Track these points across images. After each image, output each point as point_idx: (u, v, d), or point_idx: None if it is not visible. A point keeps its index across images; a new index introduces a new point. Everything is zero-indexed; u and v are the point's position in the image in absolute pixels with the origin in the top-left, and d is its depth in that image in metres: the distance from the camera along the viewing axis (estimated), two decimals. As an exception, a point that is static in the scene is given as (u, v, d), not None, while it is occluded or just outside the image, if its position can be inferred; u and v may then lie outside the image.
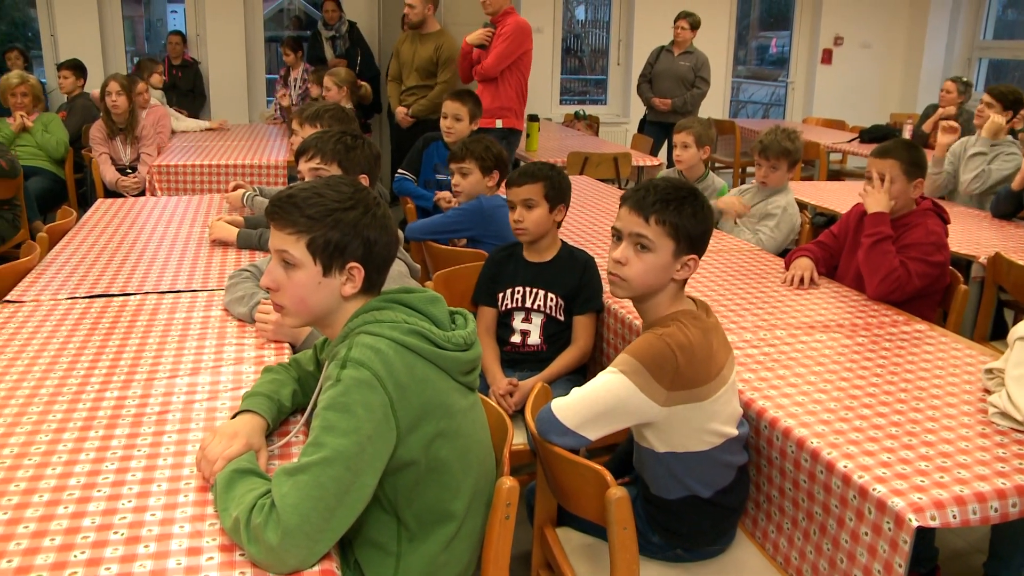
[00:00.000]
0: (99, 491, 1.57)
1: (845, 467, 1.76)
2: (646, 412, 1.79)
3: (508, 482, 1.61)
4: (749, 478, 2.05)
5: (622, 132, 8.60)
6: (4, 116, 5.68)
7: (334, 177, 1.73)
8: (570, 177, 2.96)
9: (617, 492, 1.62)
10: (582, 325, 2.78)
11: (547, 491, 1.99)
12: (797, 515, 1.92)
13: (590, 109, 8.67)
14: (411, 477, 1.53)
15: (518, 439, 2.41)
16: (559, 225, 2.88)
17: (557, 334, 2.79)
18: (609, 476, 1.65)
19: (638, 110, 7.59)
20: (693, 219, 1.87)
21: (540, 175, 2.83)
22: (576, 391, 1.84)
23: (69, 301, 2.64)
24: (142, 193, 5.38)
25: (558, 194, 2.82)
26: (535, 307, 2.80)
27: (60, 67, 6.59)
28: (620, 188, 4.99)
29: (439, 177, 4.37)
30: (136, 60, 7.32)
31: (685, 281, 1.94)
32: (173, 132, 6.40)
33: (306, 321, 1.65)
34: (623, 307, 2.71)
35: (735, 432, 1.91)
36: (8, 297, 2.68)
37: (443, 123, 4.34)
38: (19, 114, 5.57)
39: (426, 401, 1.51)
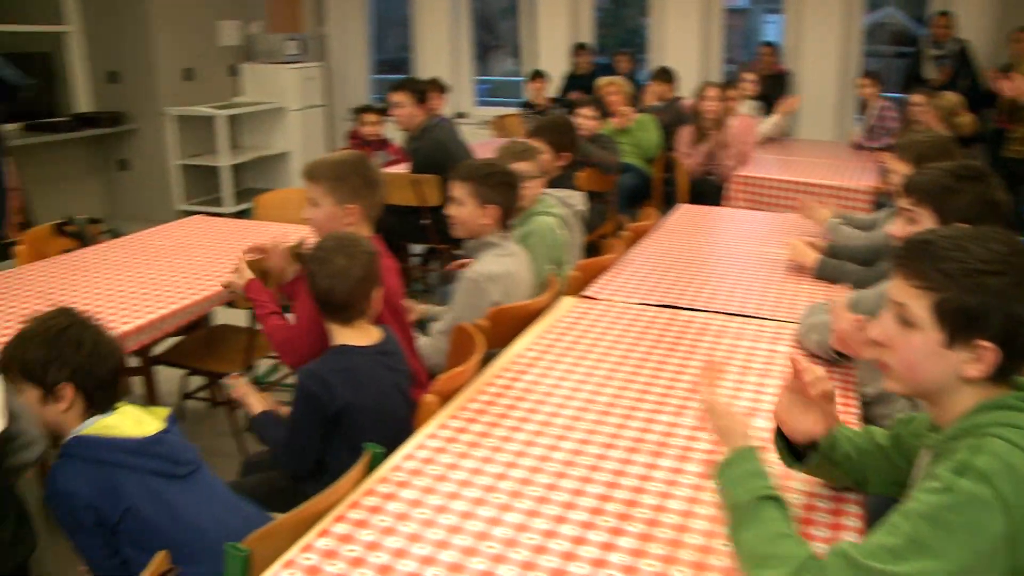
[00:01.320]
0: (662, 516, 1.50)
1: None
2: None
3: None
4: None
5: None
6: (610, 116, 6.11)
7: (989, 230, 1.37)
8: None
9: None
10: None
11: None
12: None
13: None
14: None
15: None
16: None
17: None
18: None
19: None
20: None
21: None
22: None
23: (639, 307, 2.67)
24: (718, 196, 5.39)
25: None
26: None
27: (652, 78, 6.97)
28: None
29: None
30: (734, 66, 7.41)
31: None
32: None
33: (910, 391, 1.37)
34: None
35: None
36: (587, 292, 2.80)
37: None
38: (621, 110, 5.94)
39: None
